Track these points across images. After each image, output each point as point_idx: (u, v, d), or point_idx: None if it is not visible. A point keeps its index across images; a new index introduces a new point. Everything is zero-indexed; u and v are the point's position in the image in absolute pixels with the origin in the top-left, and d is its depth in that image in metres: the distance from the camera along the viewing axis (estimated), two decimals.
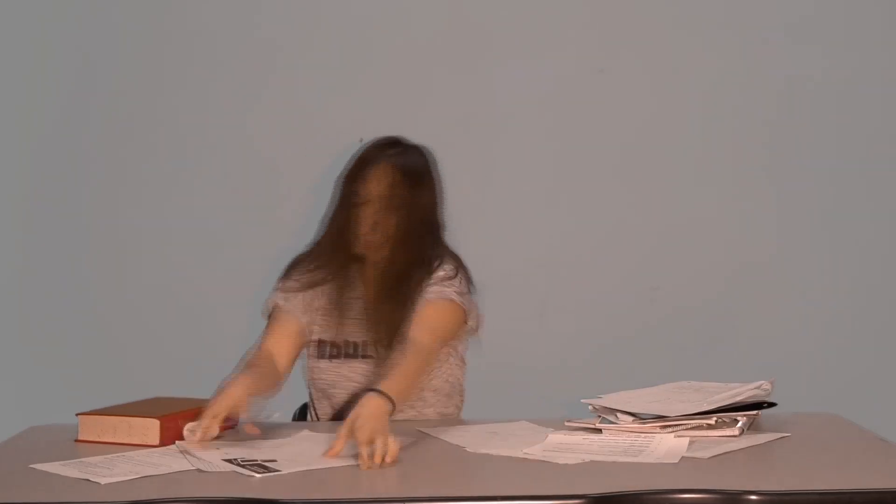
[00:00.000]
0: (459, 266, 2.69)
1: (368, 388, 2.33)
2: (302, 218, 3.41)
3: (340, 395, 2.68)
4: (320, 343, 2.71)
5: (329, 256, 2.69)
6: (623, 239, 3.45)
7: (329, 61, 3.41)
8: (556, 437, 2.26)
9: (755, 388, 2.36)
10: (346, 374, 2.68)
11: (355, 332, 2.69)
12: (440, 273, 2.64)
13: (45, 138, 3.42)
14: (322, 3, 3.42)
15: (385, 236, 2.62)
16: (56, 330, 3.42)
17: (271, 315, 2.77)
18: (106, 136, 3.42)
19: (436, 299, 2.59)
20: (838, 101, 3.44)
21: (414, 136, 3.41)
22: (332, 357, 2.70)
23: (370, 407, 2.24)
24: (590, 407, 2.40)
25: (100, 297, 3.43)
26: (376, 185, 2.63)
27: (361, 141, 3.40)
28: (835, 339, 3.46)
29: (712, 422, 2.26)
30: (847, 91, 3.44)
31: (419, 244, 2.65)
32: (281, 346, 2.70)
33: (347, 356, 2.68)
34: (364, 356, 2.68)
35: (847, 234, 3.45)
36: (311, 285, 2.71)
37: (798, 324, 3.45)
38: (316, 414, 2.77)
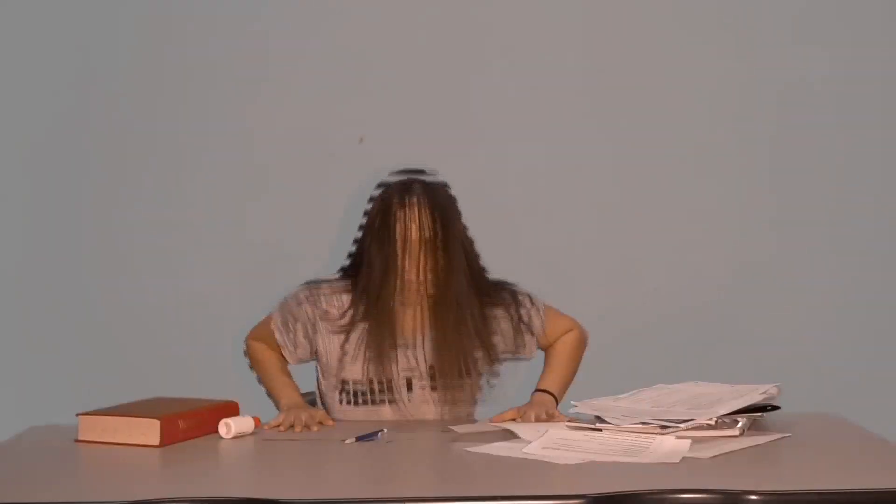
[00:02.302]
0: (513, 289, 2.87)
1: (536, 390, 2.74)
2: (303, 218, 3.41)
3: (373, 427, 2.69)
4: (343, 386, 2.73)
5: (373, 298, 2.71)
6: (622, 239, 3.45)
7: (329, 61, 3.41)
8: (557, 432, 2.26)
9: (762, 394, 2.36)
10: (374, 417, 2.70)
11: (383, 374, 2.71)
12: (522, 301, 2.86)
13: (44, 138, 3.42)
14: (322, 2, 3.41)
15: (426, 279, 2.69)
16: (56, 330, 3.42)
17: (268, 328, 2.83)
18: (105, 136, 3.41)
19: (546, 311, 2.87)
20: (839, 101, 3.44)
21: (413, 135, 3.41)
22: (357, 406, 2.72)
23: (538, 398, 2.69)
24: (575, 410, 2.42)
25: (100, 298, 3.42)
26: (415, 229, 2.69)
27: (361, 141, 3.41)
28: (835, 340, 3.46)
29: (713, 422, 2.26)
30: (848, 91, 3.44)
31: (465, 275, 2.75)
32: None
33: (374, 399, 2.72)
34: (392, 397, 2.72)
35: (848, 235, 3.45)
36: (349, 327, 2.74)
37: (798, 324, 3.45)
38: None
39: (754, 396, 2.35)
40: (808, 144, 3.44)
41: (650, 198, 3.45)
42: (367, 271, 2.72)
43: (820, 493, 1.85)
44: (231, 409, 2.49)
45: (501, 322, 2.80)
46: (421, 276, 2.68)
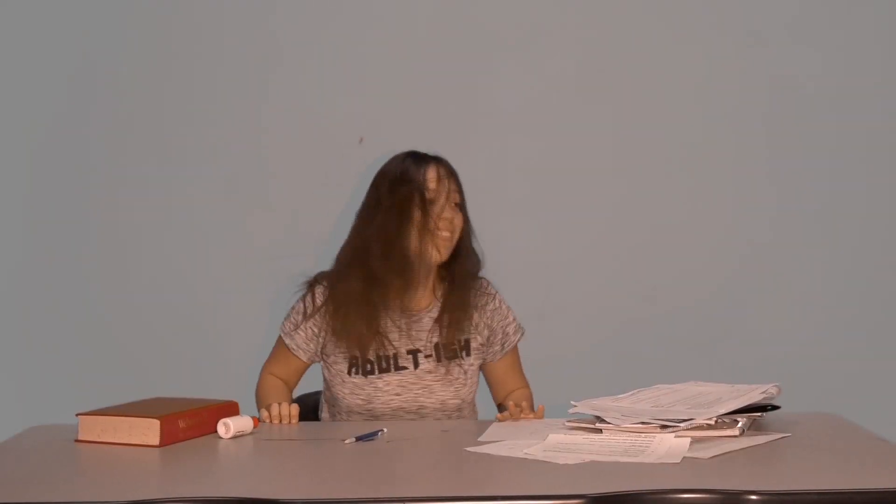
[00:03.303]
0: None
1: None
2: (304, 217, 3.42)
3: (380, 409, 2.73)
4: (352, 359, 2.74)
5: (379, 265, 2.72)
6: (622, 239, 3.45)
7: (330, 61, 3.41)
8: (557, 437, 2.26)
9: (762, 394, 2.36)
10: (382, 388, 2.73)
11: (386, 346, 2.73)
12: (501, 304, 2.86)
13: (47, 137, 3.42)
14: (324, 3, 3.42)
15: (454, 236, 2.74)
16: (56, 330, 3.42)
17: (278, 343, 2.85)
18: (107, 135, 3.42)
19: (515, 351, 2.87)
20: (835, 101, 3.44)
21: (413, 135, 3.41)
22: (366, 373, 2.73)
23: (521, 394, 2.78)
24: (573, 409, 2.41)
25: (100, 298, 3.43)
26: (444, 183, 2.74)
27: (361, 141, 3.41)
28: (835, 339, 3.46)
29: (712, 422, 2.26)
30: (844, 91, 3.44)
31: (473, 250, 2.82)
32: (287, 381, 2.85)
33: (382, 370, 2.73)
34: (398, 368, 2.73)
35: (846, 234, 3.46)
36: (343, 310, 2.73)
37: (797, 324, 3.45)
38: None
39: (754, 396, 2.35)
40: (806, 144, 3.44)
41: (650, 197, 3.45)
42: (377, 235, 2.71)
43: (820, 493, 1.85)
44: (231, 409, 2.48)
45: (489, 316, 2.83)
46: (452, 234, 2.72)
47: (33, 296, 3.42)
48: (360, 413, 2.74)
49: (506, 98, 3.43)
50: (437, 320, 2.75)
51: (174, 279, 3.42)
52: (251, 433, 2.43)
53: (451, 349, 2.76)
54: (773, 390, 2.40)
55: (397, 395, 2.73)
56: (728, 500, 1.83)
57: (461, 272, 2.78)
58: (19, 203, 3.43)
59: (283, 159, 3.43)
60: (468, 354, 2.78)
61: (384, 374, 2.73)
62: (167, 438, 2.31)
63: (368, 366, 2.73)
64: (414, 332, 2.76)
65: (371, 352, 2.73)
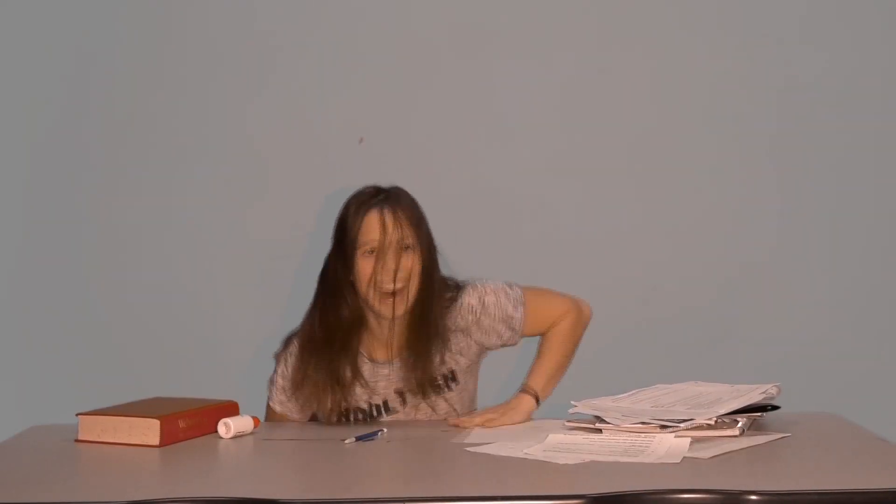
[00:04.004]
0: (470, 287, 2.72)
1: (520, 387, 2.65)
2: (304, 217, 3.41)
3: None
4: (344, 413, 2.67)
5: (337, 326, 2.64)
6: (622, 239, 3.45)
7: (329, 61, 3.41)
8: (557, 437, 2.26)
9: (762, 394, 2.36)
10: None
11: (375, 393, 2.68)
12: (473, 300, 2.69)
13: (43, 137, 3.42)
14: (324, 2, 3.42)
15: (403, 282, 2.58)
16: (56, 330, 3.42)
17: (270, 412, 2.76)
18: (104, 136, 3.42)
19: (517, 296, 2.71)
20: (839, 101, 3.44)
21: (413, 135, 3.41)
22: (357, 421, 2.68)
23: (517, 402, 2.60)
24: (573, 409, 2.41)
25: (100, 298, 3.42)
26: (379, 232, 2.59)
27: (361, 142, 3.41)
28: (835, 339, 3.46)
29: (712, 422, 2.26)
30: (848, 91, 3.44)
31: (436, 284, 2.65)
32: None
33: (373, 418, 2.68)
34: (389, 411, 2.69)
35: (847, 235, 3.45)
36: (317, 377, 2.65)
37: (798, 324, 3.45)
38: None
39: (754, 396, 2.35)
40: (808, 145, 3.44)
41: (651, 198, 3.45)
42: (331, 302, 2.64)
43: (820, 493, 1.85)
44: (231, 409, 2.49)
45: (469, 322, 2.70)
46: (397, 278, 2.56)
47: (33, 296, 3.42)
48: None
49: (506, 98, 3.43)
50: (408, 361, 2.65)
51: (174, 279, 3.42)
52: (251, 433, 2.43)
53: (435, 385, 2.68)
54: (773, 390, 2.40)
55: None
56: (728, 500, 1.83)
57: (415, 317, 2.63)
58: (18, 203, 3.43)
59: (283, 159, 3.43)
60: (456, 383, 2.71)
61: (377, 419, 2.68)
62: (167, 438, 2.31)
63: (361, 414, 2.68)
64: (401, 373, 2.67)
65: (362, 400, 2.67)
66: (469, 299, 2.68)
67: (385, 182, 2.69)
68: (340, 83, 3.41)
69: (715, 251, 3.45)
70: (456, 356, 2.70)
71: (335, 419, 2.66)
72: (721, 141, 3.44)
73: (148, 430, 2.30)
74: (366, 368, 2.67)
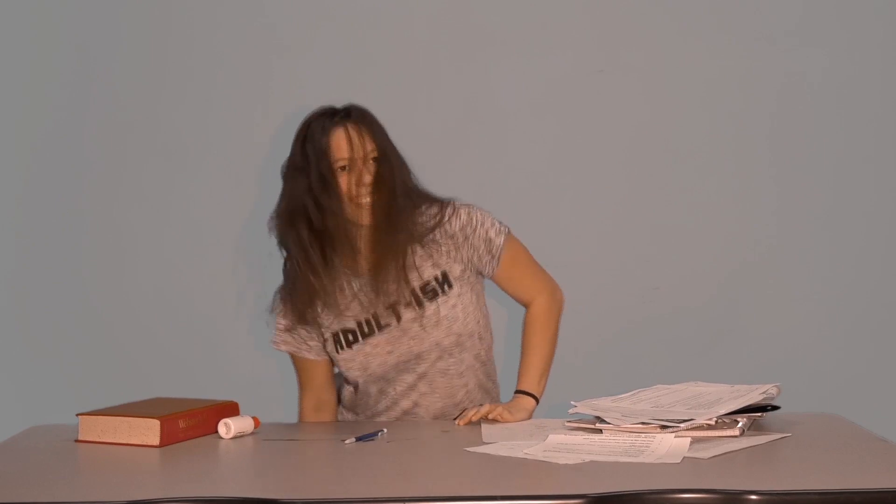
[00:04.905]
0: (448, 203, 2.72)
1: (516, 391, 2.68)
2: None
3: (379, 371, 2.67)
4: (335, 337, 2.68)
5: (308, 251, 2.65)
6: (623, 239, 3.45)
7: (330, 60, 3.42)
8: (557, 437, 2.26)
9: (762, 394, 2.36)
10: (371, 352, 2.66)
11: (363, 310, 2.66)
12: (458, 218, 2.70)
13: (45, 137, 3.42)
14: (324, 3, 3.42)
15: (380, 195, 2.61)
16: (56, 330, 3.42)
17: (293, 360, 2.77)
18: (106, 135, 3.42)
19: (504, 245, 2.72)
20: (838, 100, 3.45)
21: (413, 135, 3.41)
22: (350, 343, 2.67)
23: (517, 403, 2.63)
24: (573, 410, 2.41)
25: (100, 297, 3.43)
26: (357, 146, 2.63)
27: None
28: (835, 339, 3.46)
29: (712, 422, 2.26)
30: (847, 91, 3.45)
31: (403, 179, 2.67)
32: (322, 395, 2.77)
33: (365, 336, 2.66)
34: (381, 327, 2.66)
35: (847, 234, 3.46)
36: (306, 303, 2.67)
37: (798, 323, 3.45)
38: (353, 411, 2.78)
39: (754, 396, 2.35)
40: (807, 144, 3.45)
41: (651, 197, 3.45)
42: (301, 222, 2.66)
43: (820, 493, 1.85)
44: (231, 409, 2.48)
45: (448, 233, 2.70)
46: (373, 193, 2.60)
47: (33, 296, 3.43)
48: (365, 380, 2.69)
49: (507, 98, 3.43)
50: (396, 269, 2.64)
51: (174, 279, 3.42)
52: (251, 433, 2.43)
53: (428, 290, 2.66)
54: (773, 390, 2.40)
55: (389, 352, 2.65)
56: (728, 500, 1.83)
57: (387, 219, 2.63)
58: (19, 203, 3.43)
59: (282, 159, 3.43)
60: (451, 287, 2.67)
61: (369, 338, 2.66)
62: (167, 438, 2.31)
63: (351, 336, 2.67)
64: (387, 285, 2.64)
65: (350, 318, 2.66)
66: (459, 209, 2.71)
67: None
68: (341, 83, 3.41)
69: (715, 251, 3.45)
70: (448, 260, 2.68)
71: (334, 346, 2.67)
72: (721, 141, 3.45)
73: (148, 431, 2.30)
74: (353, 282, 2.66)
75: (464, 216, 2.70)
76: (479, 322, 2.73)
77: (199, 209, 3.42)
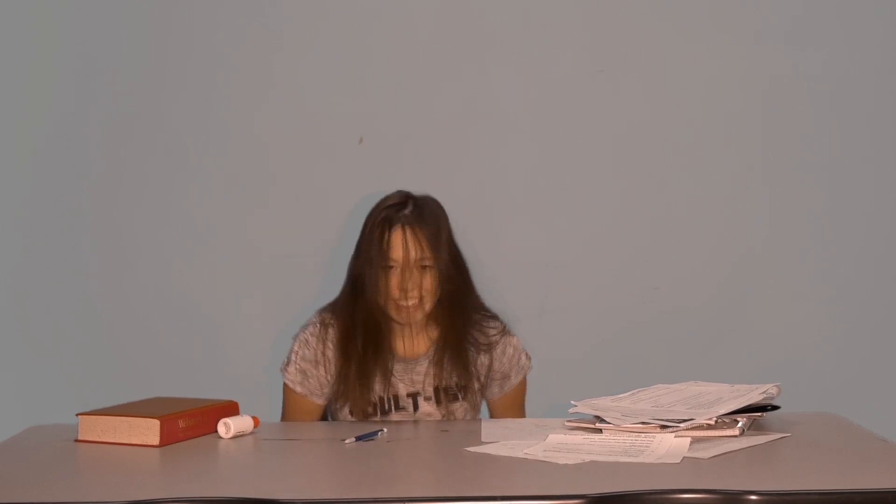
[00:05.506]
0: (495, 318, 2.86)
1: None
2: (304, 217, 3.41)
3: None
4: (353, 403, 2.75)
5: (366, 316, 2.75)
6: (622, 239, 3.45)
7: (330, 60, 3.41)
8: (557, 437, 2.26)
9: (762, 394, 2.36)
10: (382, 419, 2.75)
11: (382, 388, 2.76)
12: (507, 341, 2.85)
13: (47, 137, 3.42)
14: (324, 3, 3.41)
15: (417, 299, 2.70)
16: (56, 330, 3.42)
17: (287, 395, 2.83)
18: (106, 135, 3.41)
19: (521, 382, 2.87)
20: (835, 100, 3.44)
21: (413, 135, 3.41)
22: (367, 416, 2.75)
23: None
24: (573, 408, 2.41)
25: (100, 297, 3.42)
26: (402, 251, 2.70)
27: (361, 141, 3.41)
28: (835, 339, 3.46)
29: (712, 422, 2.26)
30: (843, 91, 3.44)
31: (460, 285, 2.78)
32: None
33: (384, 413, 2.76)
34: (399, 409, 2.77)
35: (846, 234, 3.45)
36: (344, 351, 2.76)
37: (798, 323, 3.45)
38: None
39: (754, 396, 2.35)
40: (807, 144, 3.44)
41: (650, 197, 3.45)
42: (359, 295, 2.75)
43: (820, 493, 1.85)
44: (231, 409, 2.49)
45: (485, 358, 2.84)
46: (410, 300, 2.70)
47: (33, 296, 3.42)
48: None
49: (506, 97, 3.42)
50: (434, 364, 2.77)
51: (174, 279, 3.42)
52: (251, 433, 2.43)
53: (450, 393, 2.79)
54: (774, 390, 2.40)
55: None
56: (728, 500, 1.83)
57: (452, 318, 2.77)
58: (18, 203, 3.43)
59: (283, 159, 3.43)
60: (464, 398, 2.80)
61: (385, 416, 2.75)
62: (167, 438, 2.31)
63: (370, 408, 2.75)
64: (414, 376, 2.78)
65: (374, 394, 2.75)
66: (512, 338, 2.85)
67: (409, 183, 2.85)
68: (341, 83, 3.41)
69: (715, 251, 3.45)
70: (474, 374, 2.79)
71: (348, 408, 2.74)
72: (720, 141, 3.44)
73: (148, 430, 2.30)
74: (391, 364, 2.77)
75: (510, 347, 2.84)
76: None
77: (199, 209, 3.42)
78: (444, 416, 2.77)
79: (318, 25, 3.40)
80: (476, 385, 2.80)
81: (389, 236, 2.71)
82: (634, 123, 3.43)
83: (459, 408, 2.79)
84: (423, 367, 2.78)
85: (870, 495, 1.85)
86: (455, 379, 2.77)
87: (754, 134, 3.44)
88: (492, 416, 2.91)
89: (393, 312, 2.72)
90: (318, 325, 2.79)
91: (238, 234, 3.42)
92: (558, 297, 3.44)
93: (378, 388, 2.74)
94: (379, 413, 2.74)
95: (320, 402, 2.79)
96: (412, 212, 2.74)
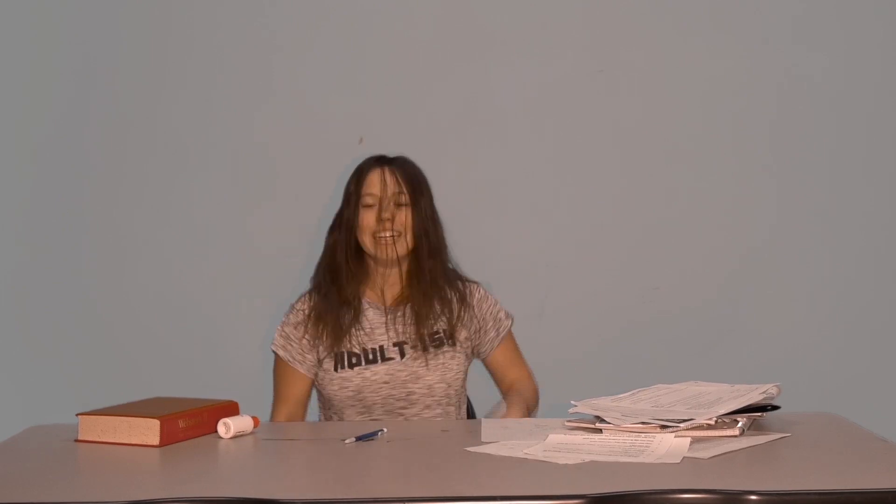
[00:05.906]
0: (467, 281, 2.95)
1: None
2: (304, 217, 3.41)
3: (370, 398, 2.81)
4: (338, 356, 2.83)
5: (339, 268, 2.87)
6: (622, 239, 3.45)
7: (330, 60, 3.42)
8: (557, 437, 2.26)
9: (762, 394, 2.36)
10: (370, 378, 2.81)
11: (369, 340, 2.84)
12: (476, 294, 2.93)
13: (45, 137, 3.42)
14: (324, 3, 3.42)
15: (397, 233, 2.82)
16: (56, 330, 3.42)
17: (276, 367, 2.91)
18: (106, 135, 3.42)
19: (506, 343, 2.93)
20: (837, 100, 3.44)
21: (414, 135, 3.41)
22: (353, 365, 2.81)
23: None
24: (574, 409, 2.41)
25: (100, 297, 3.43)
26: (380, 187, 2.84)
27: (361, 141, 3.41)
28: (835, 339, 3.46)
29: (712, 422, 2.26)
30: (846, 90, 3.45)
31: (434, 240, 2.87)
32: (295, 411, 2.89)
33: (369, 362, 2.82)
34: (385, 359, 2.82)
35: (847, 234, 3.46)
36: (320, 312, 2.85)
37: (798, 324, 3.45)
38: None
39: (754, 396, 2.35)
40: (807, 144, 3.45)
41: (652, 197, 3.45)
42: (338, 234, 2.88)
43: (820, 493, 1.85)
44: (231, 409, 2.48)
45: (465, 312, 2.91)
46: (389, 232, 2.81)
47: (33, 296, 3.42)
48: (352, 406, 2.80)
49: (506, 97, 3.43)
50: (415, 311, 2.84)
51: (174, 279, 3.42)
52: (251, 433, 2.43)
53: (435, 338, 2.84)
54: (774, 390, 2.40)
55: (386, 383, 2.81)
56: (728, 500, 1.83)
57: (423, 264, 2.86)
58: (18, 203, 3.43)
59: (283, 159, 3.43)
60: (453, 345, 2.85)
61: (371, 365, 2.81)
62: (167, 438, 2.31)
63: (354, 359, 2.81)
64: (398, 326, 2.85)
65: (356, 345, 2.81)
66: (478, 287, 2.93)
67: None
68: (341, 83, 3.41)
69: (715, 251, 3.45)
70: (457, 323, 2.86)
71: (333, 365, 2.81)
72: (720, 141, 3.45)
73: (148, 430, 2.30)
74: (367, 313, 2.85)
75: (482, 292, 2.93)
76: (461, 389, 2.91)
77: (199, 209, 3.42)
78: (431, 359, 2.82)
79: (318, 26, 3.41)
80: (462, 332, 2.86)
81: (367, 176, 2.85)
82: (634, 124, 3.43)
83: (448, 354, 2.84)
84: (406, 316, 2.85)
85: (870, 495, 1.85)
86: (440, 324, 2.85)
87: (754, 134, 3.44)
88: (495, 378, 2.96)
89: (372, 247, 2.82)
90: (307, 294, 2.90)
91: (238, 234, 3.42)
92: (558, 297, 3.45)
93: (361, 336, 2.82)
94: (364, 362, 2.80)
95: (303, 370, 2.84)
96: (391, 160, 2.90)
